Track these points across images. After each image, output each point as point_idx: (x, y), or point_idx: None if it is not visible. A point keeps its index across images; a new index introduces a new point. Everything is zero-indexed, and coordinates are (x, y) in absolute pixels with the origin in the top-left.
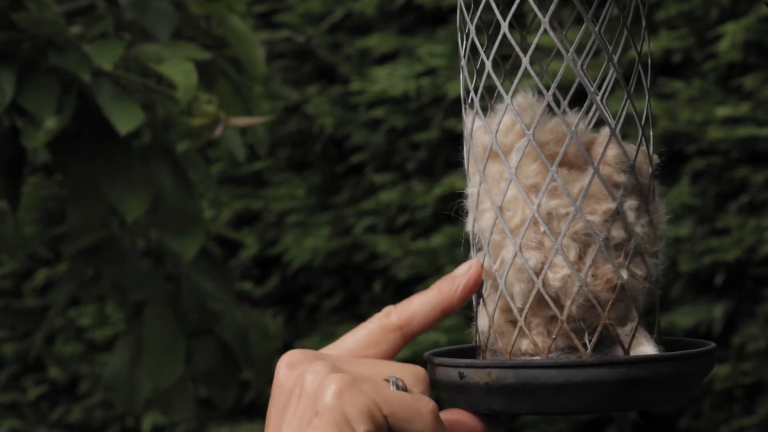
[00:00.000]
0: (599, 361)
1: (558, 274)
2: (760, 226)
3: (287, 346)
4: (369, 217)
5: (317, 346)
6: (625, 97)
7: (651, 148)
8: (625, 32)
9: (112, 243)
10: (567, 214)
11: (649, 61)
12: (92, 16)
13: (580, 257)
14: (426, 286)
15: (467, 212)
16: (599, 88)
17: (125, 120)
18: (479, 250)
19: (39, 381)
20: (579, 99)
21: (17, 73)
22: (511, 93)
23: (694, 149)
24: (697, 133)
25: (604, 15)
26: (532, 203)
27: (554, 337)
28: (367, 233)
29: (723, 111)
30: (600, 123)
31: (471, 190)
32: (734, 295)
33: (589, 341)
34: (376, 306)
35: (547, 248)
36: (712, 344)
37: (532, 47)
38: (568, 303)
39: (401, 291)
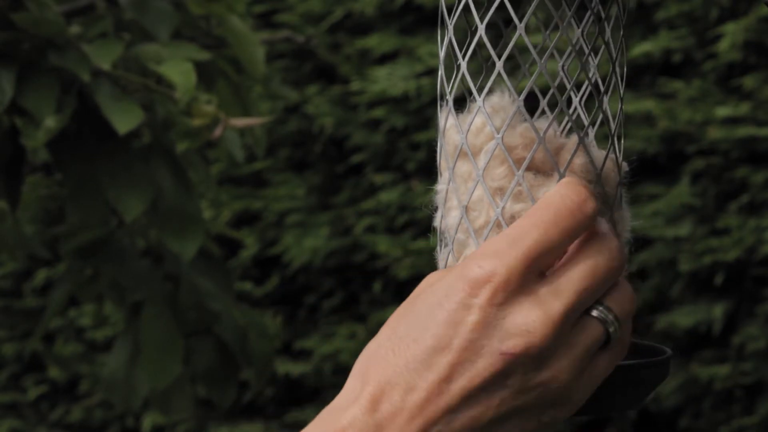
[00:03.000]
0: None
1: None
2: (760, 226)
3: (287, 346)
4: (369, 217)
5: (317, 346)
6: (597, 105)
7: (621, 156)
8: (603, 41)
9: (111, 242)
10: None
11: (625, 70)
12: (92, 16)
13: None
14: None
15: (436, 208)
16: (576, 93)
17: (124, 120)
18: (445, 246)
19: (39, 381)
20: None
21: (17, 72)
22: (483, 95)
23: (694, 149)
24: (697, 133)
25: (585, 21)
26: (497, 206)
27: None
28: (367, 233)
29: (723, 111)
30: (576, 128)
31: (440, 186)
32: (734, 295)
33: None
34: (376, 306)
35: None
36: (669, 352)
37: (507, 53)
38: None
39: (401, 291)
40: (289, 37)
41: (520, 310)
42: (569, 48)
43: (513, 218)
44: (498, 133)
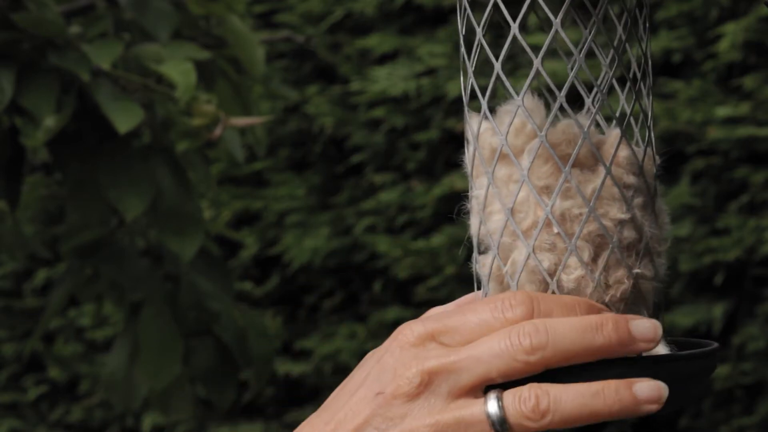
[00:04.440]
0: (611, 360)
1: (572, 275)
2: (760, 226)
3: (287, 346)
4: (369, 217)
5: (317, 346)
6: (633, 98)
7: (654, 149)
8: (623, 36)
9: (111, 242)
10: (580, 215)
11: (650, 62)
12: (92, 16)
13: (593, 259)
14: (426, 286)
15: (470, 215)
16: (601, 91)
17: (124, 119)
18: (482, 252)
19: (39, 381)
20: (578, 102)
21: (17, 72)
22: (522, 94)
23: (694, 149)
24: (697, 133)
25: (599, 19)
26: (546, 204)
27: None
28: (367, 233)
29: (723, 111)
30: (600, 125)
31: (477, 192)
32: (734, 295)
33: None
34: (376, 306)
35: (560, 250)
36: (715, 344)
37: (544, 49)
38: None
39: (401, 291)
40: (289, 37)
41: (402, 358)
42: (585, 41)
43: (563, 216)
44: (541, 131)
